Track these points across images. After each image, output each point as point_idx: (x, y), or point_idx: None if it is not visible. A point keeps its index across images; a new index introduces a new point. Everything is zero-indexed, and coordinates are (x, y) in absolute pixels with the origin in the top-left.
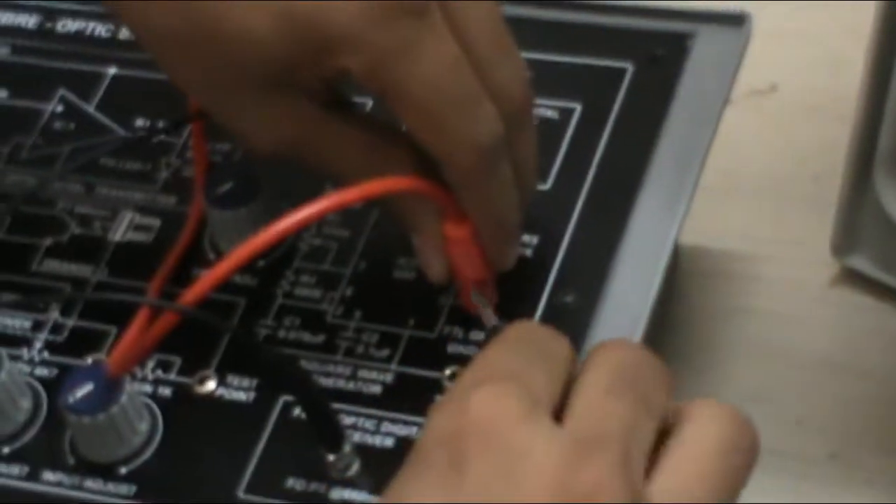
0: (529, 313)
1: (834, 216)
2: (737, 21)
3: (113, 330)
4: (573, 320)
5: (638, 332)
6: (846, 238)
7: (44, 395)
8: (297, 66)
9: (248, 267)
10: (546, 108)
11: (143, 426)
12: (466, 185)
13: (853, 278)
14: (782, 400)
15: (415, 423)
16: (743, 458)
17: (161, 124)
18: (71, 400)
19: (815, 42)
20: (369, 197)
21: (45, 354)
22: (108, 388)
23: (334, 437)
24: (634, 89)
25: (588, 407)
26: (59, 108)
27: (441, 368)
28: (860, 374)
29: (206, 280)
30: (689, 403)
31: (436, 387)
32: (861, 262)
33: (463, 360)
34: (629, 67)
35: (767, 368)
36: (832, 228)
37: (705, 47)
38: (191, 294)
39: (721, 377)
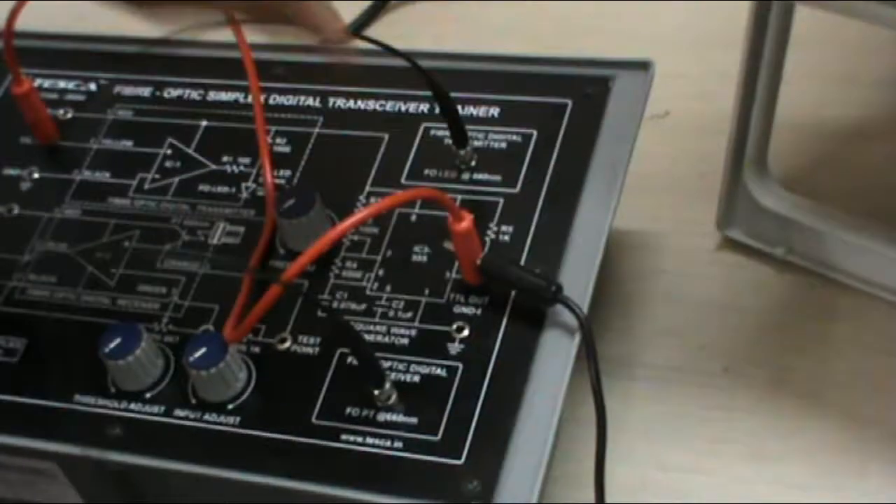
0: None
1: (717, 201)
2: (644, 66)
3: (216, 307)
4: (543, 279)
5: (591, 281)
6: (726, 216)
7: (172, 356)
8: None
9: None
10: (512, 135)
11: (243, 375)
12: None
13: (732, 244)
14: (687, 332)
15: (434, 364)
16: None
17: (241, 160)
18: (192, 358)
19: (696, 81)
20: (399, 205)
21: (171, 327)
22: (218, 350)
23: (378, 377)
24: (574, 118)
25: None
26: (169, 152)
27: (450, 324)
28: (740, 311)
29: (300, 260)
30: None
31: (447, 337)
32: (737, 233)
33: (466, 318)
34: (569, 103)
35: (675, 310)
36: (716, 209)
37: (622, 85)
38: (290, 272)
39: (642, 317)
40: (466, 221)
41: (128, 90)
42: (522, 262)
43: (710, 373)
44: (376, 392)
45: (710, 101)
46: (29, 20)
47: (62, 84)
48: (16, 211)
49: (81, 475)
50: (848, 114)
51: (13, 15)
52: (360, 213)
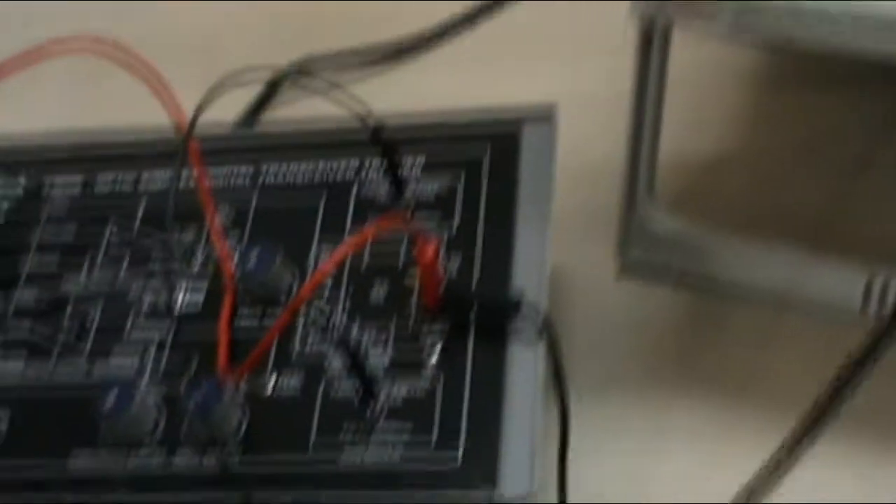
0: (476, 296)
1: (616, 233)
2: (548, 110)
3: (195, 361)
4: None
5: (544, 293)
6: (623, 246)
7: (161, 408)
8: None
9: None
10: (442, 177)
11: (237, 413)
12: None
13: (631, 269)
14: (606, 348)
15: (415, 381)
16: None
17: (187, 232)
18: (194, 401)
19: (583, 146)
20: (382, 231)
21: (152, 386)
22: (218, 390)
23: (374, 392)
24: (493, 165)
25: None
26: (115, 228)
27: (421, 347)
28: (643, 326)
29: (317, 275)
30: None
31: (421, 358)
32: (634, 259)
33: (435, 340)
34: (487, 145)
35: (590, 330)
36: (616, 240)
37: (532, 131)
38: (308, 286)
39: (564, 341)
40: (433, 248)
41: (57, 188)
42: (473, 287)
43: (639, 379)
44: (369, 410)
45: (571, 159)
46: None
47: None
48: None
49: None
50: (702, 149)
51: None
52: (357, 237)
